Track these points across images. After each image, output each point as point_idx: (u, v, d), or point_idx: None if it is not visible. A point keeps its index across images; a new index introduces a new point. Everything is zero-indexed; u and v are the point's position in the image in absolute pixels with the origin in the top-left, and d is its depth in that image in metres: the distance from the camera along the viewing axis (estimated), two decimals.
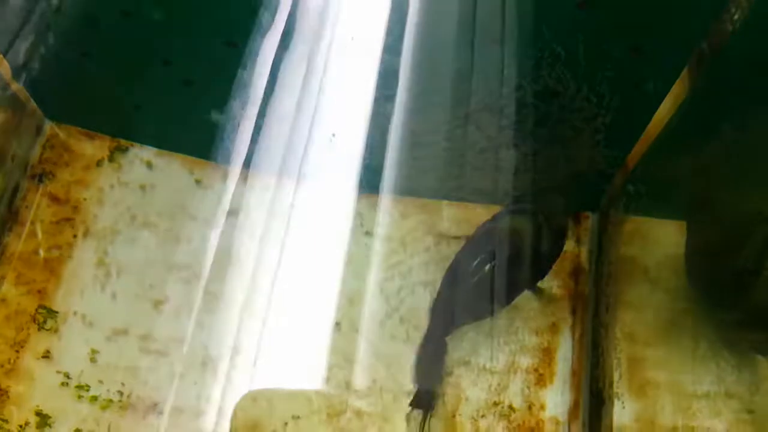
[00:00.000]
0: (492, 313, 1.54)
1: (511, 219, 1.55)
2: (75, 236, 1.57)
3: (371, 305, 1.62)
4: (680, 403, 1.50)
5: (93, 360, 1.49)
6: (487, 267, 1.50)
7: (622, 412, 1.49)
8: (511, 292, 1.53)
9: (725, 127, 1.30)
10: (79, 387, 1.47)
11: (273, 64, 1.30)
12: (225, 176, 1.65)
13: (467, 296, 1.51)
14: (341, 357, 1.57)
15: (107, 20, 1.36)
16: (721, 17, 1.10)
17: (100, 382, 1.47)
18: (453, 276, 1.56)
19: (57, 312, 1.50)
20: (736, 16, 1.07)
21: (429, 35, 1.20)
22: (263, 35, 1.25)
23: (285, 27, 1.25)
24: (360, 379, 1.56)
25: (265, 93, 1.35)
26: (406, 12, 1.20)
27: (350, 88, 1.32)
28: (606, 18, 1.20)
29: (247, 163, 1.57)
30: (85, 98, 1.55)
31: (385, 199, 1.70)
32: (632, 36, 1.21)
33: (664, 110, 1.31)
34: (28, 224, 1.55)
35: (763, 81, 1.22)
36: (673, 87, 1.27)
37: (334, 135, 1.39)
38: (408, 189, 1.67)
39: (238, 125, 1.47)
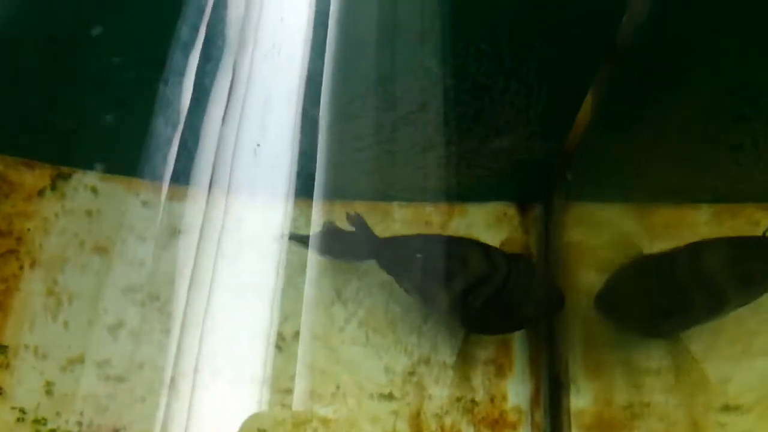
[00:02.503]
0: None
1: (475, 252, 1.49)
2: (21, 267, 1.54)
3: (329, 311, 1.63)
4: (634, 381, 1.54)
5: (49, 392, 1.46)
6: (418, 256, 1.50)
7: (579, 395, 1.53)
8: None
9: (650, 109, 1.35)
10: (36, 421, 1.44)
11: (201, 77, 1.30)
12: (172, 196, 1.64)
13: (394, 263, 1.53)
14: (303, 366, 1.57)
15: (30, 45, 1.34)
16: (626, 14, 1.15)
17: (58, 413, 1.45)
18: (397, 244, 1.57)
19: (7, 347, 1.47)
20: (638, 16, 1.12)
21: (351, 40, 1.22)
22: (188, 50, 1.26)
23: (207, 39, 1.26)
24: (323, 387, 1.56)
25: (197, 107, 1.35)
26: (327, 18, 1.21)
27: (276, 95, 1.33)
28: (524, 13, 1.23)
29: (193, 181, 1.57)
30: (18, 126, 1.52)
31: (335, 204, 1.72)
32: (551, 29, 1.24)
33: (592, 99, 1.35)
34: None
35: (683, 64, 1.28)
36: (597, 74, 1.31)
37: (258, 145, 1.40)
38: (356, 193, 1.69)
39: (178, 143, 1.46)
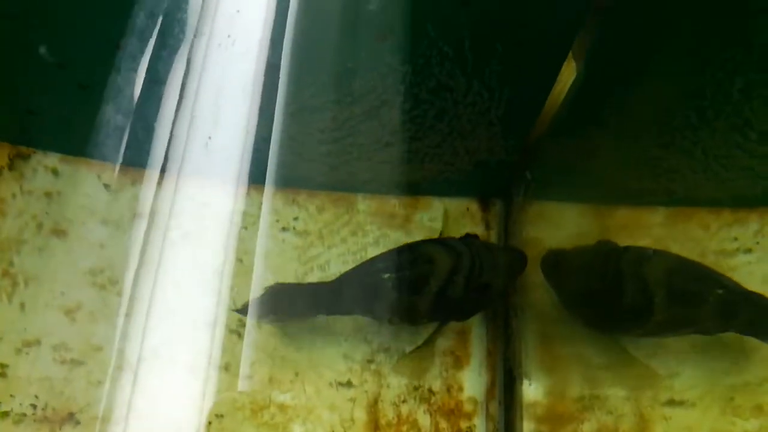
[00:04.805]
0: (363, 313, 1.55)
1: (436, 248, 1.49)
2: None
3: None
4: (586, 375, 1.59)
5: (2, 374, 1.45)
6: (386, 276, 1.47)
7: (533, 387, 1.57)
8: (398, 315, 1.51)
9: (609, 112, 1.38)
10: None
11: (156, 65, 1.29)
12: (135, 180, 1.63)
13: (355, 290, 1.51)
14: (263, 353, 1.59)
15: None
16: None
17: (12, 396, 1.44)
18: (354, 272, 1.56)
19: None
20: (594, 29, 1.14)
21: (311, 35, 1.22)
22: (147, 36, 1.24)
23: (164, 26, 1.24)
24: (282, 374, 1.57)
25: (150, 95, 1.34)
26: (287, 9, 1.21)
27: (231, 87, 1.32)
28: (485, 15, 1.24)
29: (160, 166, 1.56)
30: None
31: (300, 193, 1.72)
32: (512, 31, 1.26)
33: (553, 101, 1.38)
34: None
35: (640, 69, 1.32)
36: (559, 77, 1.34)
37: (210, 138, 1.39)
38: (322, 183, 1.70)
39: (144, 128, 1.45)
